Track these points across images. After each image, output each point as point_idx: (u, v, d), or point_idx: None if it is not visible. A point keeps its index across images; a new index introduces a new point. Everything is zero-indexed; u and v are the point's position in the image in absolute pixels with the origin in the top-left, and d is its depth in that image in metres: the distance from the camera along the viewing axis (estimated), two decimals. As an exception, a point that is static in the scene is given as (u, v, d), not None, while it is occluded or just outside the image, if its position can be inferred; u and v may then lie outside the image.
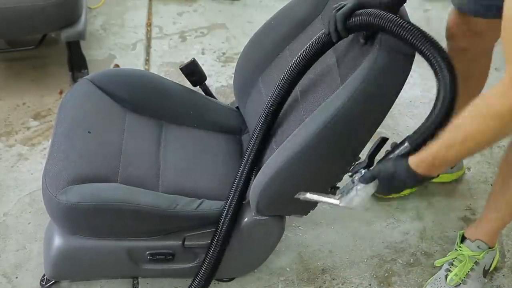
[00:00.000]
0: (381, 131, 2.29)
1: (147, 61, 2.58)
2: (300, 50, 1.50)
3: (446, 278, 1.80)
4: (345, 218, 1.99)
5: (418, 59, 2.69)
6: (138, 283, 1.76)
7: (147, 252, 1.57)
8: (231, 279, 1.76)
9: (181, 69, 1.82)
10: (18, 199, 1.98)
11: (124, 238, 1.56)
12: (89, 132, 1.61)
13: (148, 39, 2.70)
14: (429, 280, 1.83)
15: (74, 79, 2.40)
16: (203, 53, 2.63)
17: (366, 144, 1.38)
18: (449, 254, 1.85)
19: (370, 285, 1.81)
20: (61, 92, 2.38)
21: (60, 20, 2.22)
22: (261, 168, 1.46)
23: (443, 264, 1.83)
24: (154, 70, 2.52)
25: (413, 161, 1.29)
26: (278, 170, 1.40)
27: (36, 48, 2.36)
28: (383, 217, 2.00)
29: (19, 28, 2.20)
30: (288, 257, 1.86)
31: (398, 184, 1.32)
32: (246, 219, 1.53)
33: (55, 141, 1.60)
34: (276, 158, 1.42)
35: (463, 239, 1.84)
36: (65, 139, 1.59)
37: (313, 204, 1.51)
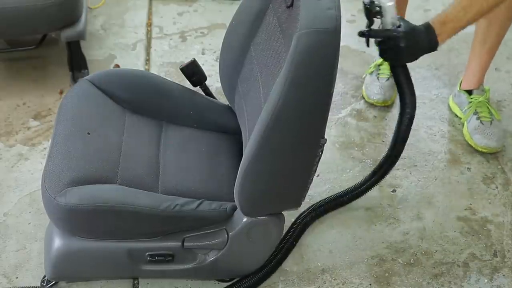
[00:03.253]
0: (382, 131, 2.29)
1: (147, 61, 2.58)
2: (261, 45, 1.54)
3: (482, 122, 2.23)
4: (346, 218, 1.99)
5: (418, 59, 2.67)
6: (138, 283, 1.76)
7: (147, 253, 1.57)
8: (231, 279, 1.75)
9: (181, 69, 1.82)
10: (18, 199, 1.98)
11: (123, 239, 1.56)
12: (88, 133, 1.61)
13: (148, 39, 2.70)
14: (468, 134, 2.25)
15: (74, 79, 2.39)
16: (203, 53, 2.63)
17: (324, 125, 1.37)
18: (467, 109, 2.29)
19: (370, 285, 1.80)
20: (61, 92, 2.38)
21: (60, 20, 2.22)
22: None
23: (469, 122, 2.26)
24: (154, 70, 2.52)
25: (433, 21, 1.66)
26: (245, 171, 1.40)
27: (36, 48, 2.36)
28: (383, 217, 2.00)
29: (19, 28, 2.20)
30: (288, 257, 1.85)
31: (419, 38, 1.64)
32: (245, 219, 1.53)
33: (54, 142, 1.60)
34: (243, 157, 1.42)
35: (469, 92, 2.31)
36: (65, 140, 1.59)
37: (301, 193, 1.52)
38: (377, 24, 1.65)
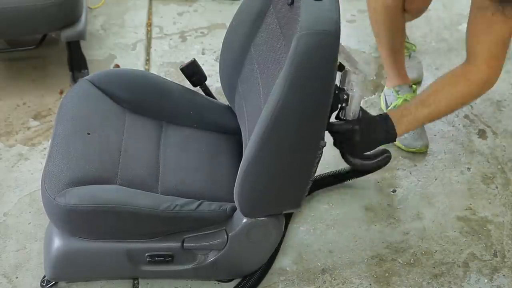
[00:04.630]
0: (381, 131, 2.29)
1: (147, 61, 2.58)
2: (262, 45, 1.54)
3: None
4: (346, 218, 1.99)
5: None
6: (138, 283, 1.76)
7: (146, 254, 1.57)
8: (231, 280, 1.76)
9: (181, 69, 1.82)
10: (18, 199, 1.98)
11: (123, 240, 1.56)
12: (88, 133, 1.61)
13: (148, 39, 2.70)
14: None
15: (74, 79, 2.39)
16: (203, 53, 2.63)
17: (324, 127, 1.38)
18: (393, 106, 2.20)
19: (370, 285, 1.81)
20: (61, 92, 2.38)
21: (60, 20, 2.22)
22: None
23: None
24: (154, 70, 2.52)
25: (392, 114, 1.71)
26: (245, 172, 1.40)
27: (36, 48, 2.36)
28: (383, 217, 2.00)
29: (19, 28, 2.20)
30: (288, 257, 1.86)
31: (376, 132, 1.66)
32: (244, 220, 1.53)
33: (54, 142, 1.60)
34: (243, 158, 1.42)
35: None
36: (64, 141, 1.59)
37: (301, 194, 1.52)
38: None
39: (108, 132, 1.66)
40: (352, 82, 1.57)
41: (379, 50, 2.31)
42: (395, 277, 1.83)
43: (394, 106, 2.21)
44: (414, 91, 2.26)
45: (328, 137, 1.51)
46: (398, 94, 2.23)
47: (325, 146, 1.40)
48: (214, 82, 2.34)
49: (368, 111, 2.30)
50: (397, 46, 2.20)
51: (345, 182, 2.08)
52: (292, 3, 1.38)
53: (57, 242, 1.56)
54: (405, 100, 2.19)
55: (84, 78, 1.79)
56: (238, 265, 1.69)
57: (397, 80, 2.25)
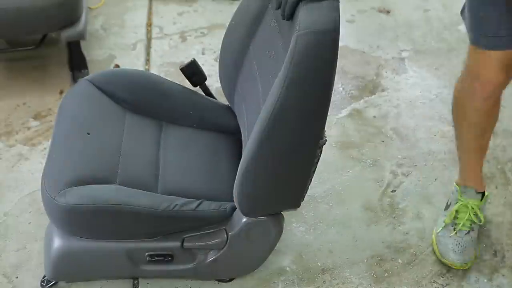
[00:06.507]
0: (381, 131, 2.29)
1: (147, 61, 2.58)
2: (261, 45, 1.55)
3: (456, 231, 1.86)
4: (346, 218, 1.99)
5: (418, 59, 2.67)
6: (138, 283, 1.76)
7: (146, 254, 1.57)
8: (231, 280, 1.76)
9: (181, 69, 1.83)
10: (18, 199, 1.99)
11: (123, 239, 1.56)
12: (88, 133, 1.62)
13: (148, 39, 2.70)
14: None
15: (74, 79, 2.40)
16: (203, 53, 2.63)
17: (323, 126, 1.38)
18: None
19: (370, 285, 1.81)
20: (61, 92, 2.38)
21: (60, 20, 2.22)
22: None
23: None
24: (154, 70, 2.53)
25: None
26: (244, 171, 1.40)
27: (36, 48, 2.37)
28: (383, 217, 2.00)
29: (19, 28, 2.20)
30: (288, 257, 1.86)
31: None
32: (244, 220, 1.54)
33: (54, 142, 1.60)
34: (243, 157, 1.42)
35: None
36: (64, 141, 1.59)
37: (301, 193, 1.52)
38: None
39: (108, 132, 1.66)
40: None
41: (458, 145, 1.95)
42: (395, 277, 1.83)
43: (449, 208, 1.93)
44: (482, 200, 1.92)
45: (328, 136, 1.51)
46: (461, 196, 1.91)
47: (324, 144, 1.40)
48: (214, 82, 2.34)
49: (367, 113, 2.31)
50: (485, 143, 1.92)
51: (345, 182, 2.08)
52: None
53: (57, 242, 1.57)
54: (464, 206, 1.89)
55: (84, 78, 1.80)
56: (238, 265, 1.69)
57: (467, 179, 1.93)
